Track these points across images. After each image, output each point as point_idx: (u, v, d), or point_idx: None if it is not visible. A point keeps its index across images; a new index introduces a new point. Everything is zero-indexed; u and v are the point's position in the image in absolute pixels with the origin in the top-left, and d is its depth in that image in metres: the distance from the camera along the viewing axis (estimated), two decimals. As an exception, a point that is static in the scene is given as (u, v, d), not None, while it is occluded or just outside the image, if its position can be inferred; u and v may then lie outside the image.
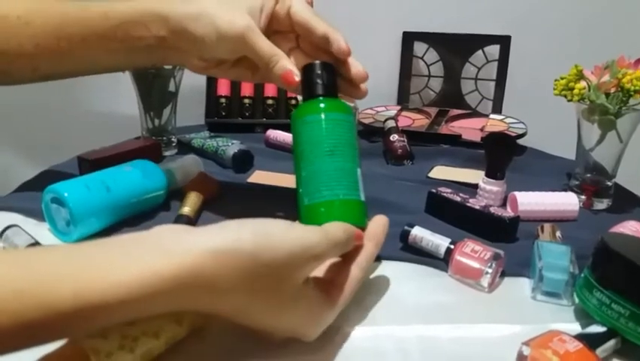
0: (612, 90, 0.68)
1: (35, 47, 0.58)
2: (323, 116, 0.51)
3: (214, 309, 0.38)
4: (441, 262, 0.57)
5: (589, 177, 0.74)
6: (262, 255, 0.37)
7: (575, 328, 0.47)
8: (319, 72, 0.53)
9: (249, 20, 0.53)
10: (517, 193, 0.69)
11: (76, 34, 0.58)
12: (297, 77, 0.53)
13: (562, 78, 0.71)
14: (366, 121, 1.02)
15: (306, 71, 0.54)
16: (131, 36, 0.57)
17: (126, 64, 0.66)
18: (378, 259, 0.58)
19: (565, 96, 0.71)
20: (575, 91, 0.69)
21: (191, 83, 0.90)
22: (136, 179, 0.64)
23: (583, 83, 0.70)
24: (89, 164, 0.71)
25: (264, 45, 0.53)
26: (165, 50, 0.58)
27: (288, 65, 0.53)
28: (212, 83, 1.03)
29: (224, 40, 0.54)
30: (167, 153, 0.87)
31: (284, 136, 0.91)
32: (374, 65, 1.22)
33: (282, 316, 0.40)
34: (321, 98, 0.52)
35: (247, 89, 1.02)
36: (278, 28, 0.58)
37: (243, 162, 0.82)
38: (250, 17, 0.54)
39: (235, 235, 0.37)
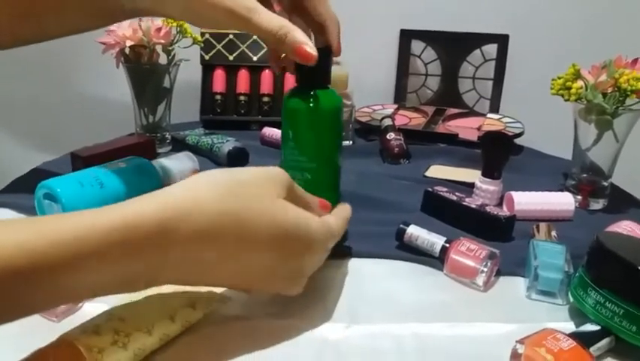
0: (609, 90, 0.68)
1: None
2: (312, 106, 0.53)
3: (201, 257, 0.38)
4: (436, 260, 0.56)
5: (585, 177, 0.74)
6: (234, 172, 0.41)
7: (570, 327, 0.47)
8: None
9: (245, 2, 0.49)
10: (513, 193, 0.69)
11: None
12: (313, 51, 0.48)
13: (559, 77, 0.71)
14: (362, 119, 1.01)
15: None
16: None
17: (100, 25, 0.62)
18: (374, 256, 0.57)
19: (562, 96, 0.70)
20: (572, 90, 0.69)
21: (186, 79, 0.89)
22: (129, 175, 0.64)
23: (580, 83, 0.69)
24: (81, 160, 0.71)
25: (269, 23, 0.48)
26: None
27: (300, 37, 0.48)
28: (207, 79, 1.03)
29: (225, 24, 0.50)
30: (161, 150, 0.86)
31: (279, 134, 0.90)
32: (371, 63, 1.23)
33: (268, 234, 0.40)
34: (309, 97, 0.53)
35: (243, 86, 1.02)
36: None
37: (238, 159, 0.81)
38: None
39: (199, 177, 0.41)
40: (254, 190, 0.41)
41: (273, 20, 0.48)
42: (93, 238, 0.33)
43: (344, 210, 0.51)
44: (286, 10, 0.56)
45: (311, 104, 0.53)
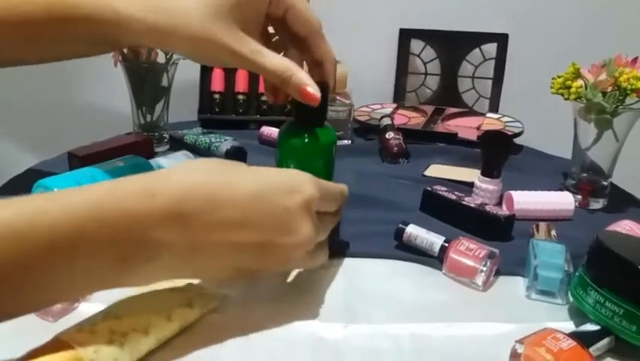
0: (609, 89, 0.68)
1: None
2: (306, 141, 0.55)
3: (186, 209, 0.40)
4: (435, 260, 0.56)
5: (585, 177, 0.73)
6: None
7: (569, 326, 0.46)
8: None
9: (249, 44, 0.50)
10: (512, 192, 0.69)
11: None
12: (317, 93, 0.50)
13: (559, 76, 0.71)
14: (361, 119, 1.01)
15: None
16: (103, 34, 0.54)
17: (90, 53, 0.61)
18: (373, 256, 0.57)
19: (562, 95, 0.70)
20: (572, 89, 0.69)
21: (184, 79, 0.89)
22: (127, 174, 0.63)
23: (580, 82, 0.69)
24: (79, 160, 0.70)
25: (272, 64, 0.50)
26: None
27: (304, 79, 0.50)
28: (205, 78, 1.02)
29: (230, 64, 0.52)
30: (159, 150, 0.86)
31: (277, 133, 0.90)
32: (370, 62, 1.23)
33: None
34: (306, 133, 0.54)
35: (241, 85, 1.01)
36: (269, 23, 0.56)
37: (236, 158, 0.79)
38: (246, 34, 0.50)
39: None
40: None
41: (277, 62, 0.50)
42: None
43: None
44: (285, 42, 0.56)
45: (306, 141, 0.54)
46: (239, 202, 0.42)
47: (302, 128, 0.55)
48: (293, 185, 0.44)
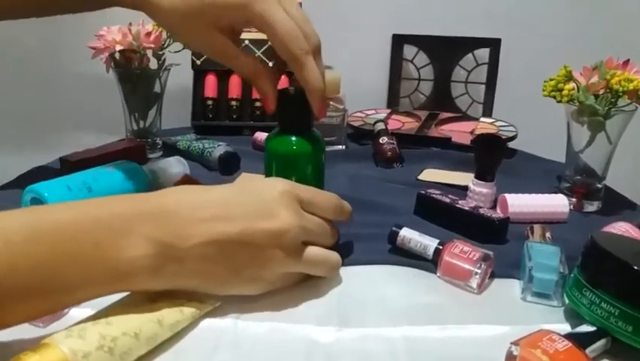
0: (601, 91, 0.68)
1: None
2: (295, 148, 0.55)
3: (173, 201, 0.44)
4: (429, 263, 0.56)
5: (579, 180, 0.73)
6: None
7: (565, 328, 0.46)
8: (294, 106, 0.55)
9: (223, 43, 0.54)
10: (507, 195, 0.69)
11: None
12: (273, 106, 0.54)
13: (551, 79, 0.71)
14: (355, 124, 1.01)
15: (282, 100, 0.55)
16: None
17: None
18: (366, 259, 0.57)
19: (554, 97, 0.70)
20: (564, 92, 0.69)
21: (177, 85, 0.89)
22: (118, 180, 0.63)
23: (572, 85, 0.69)
24: (70, 165, 0.70)
25: (242, 66, 0.55)
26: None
27: (265, 88, 0.54)
28: (198, 84, 1.02)
29: (212, 57, 0.56)
30: (152, 156, 0.85)
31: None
32: (364, 67, 1.23)
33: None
34: (291, 140, 0.55)
35: (235, 91, 1.01)
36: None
37: (230, 163, 0.80)
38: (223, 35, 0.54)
39: None
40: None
41: (248, 67, 0.55)
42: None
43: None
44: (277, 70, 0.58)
45: (294, 147, 0.55)
46: (215, 200, 0.45)
47: (287, 135, 0.55)
48: (270, 183, 0.49)
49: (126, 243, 0.40)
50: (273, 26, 0.51)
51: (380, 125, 0.93)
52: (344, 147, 0.94)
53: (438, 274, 0.54)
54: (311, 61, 0.52)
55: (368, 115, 1.08)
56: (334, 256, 0.51)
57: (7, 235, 0.37)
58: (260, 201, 0.46)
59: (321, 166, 0.57)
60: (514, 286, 0.53)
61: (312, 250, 0.48)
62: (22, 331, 0.41)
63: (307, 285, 0.51)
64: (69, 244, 0.39)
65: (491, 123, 1.05)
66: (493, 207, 0.70)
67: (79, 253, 0.39)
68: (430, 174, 0.83)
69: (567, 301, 0.48)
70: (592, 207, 0.73)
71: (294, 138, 0.56)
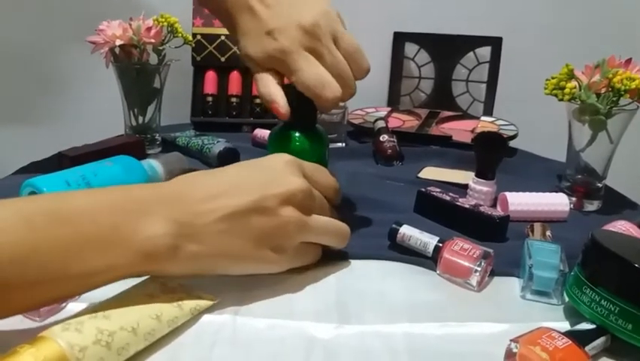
0: (603, 90, 0.68)
1: None
2: (298, 145, 0.57)
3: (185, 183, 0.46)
4: (429, 260, 0.55)
5: (579, 179, 0.73)
6: None
7: (565, 326, 0.46)
8: (298, 102, 0.55)
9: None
10: (507, 193, 0.68)
11: None
12: (282, 109, 0.54)
13: (553, 77, 0.70)
14: (355, 122, 1.01)
15: (286, 96, 0.55)
16: None
17: None
18: (366, 256, 0.56)
19: (556, 95, 0.70)
20: (566, 90, 0.68)
21: (176, 81, 0.88)
22: (117, 174, 0.63)
23: (574, 83, 0.69)
24: (69, 160, 0.69)
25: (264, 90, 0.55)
26: None
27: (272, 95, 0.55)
28: (198, 81, 1.02)
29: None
30: (150, 151, 0.85)
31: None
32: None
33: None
34: (295, 136, 0.56)
35: (234, 88, 1.01)
36: None
37: (229, 160, 0.80)
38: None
39: None
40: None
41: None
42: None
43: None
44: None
45: (297, 143, 0.56)
46: (226, 177, 0.47)
47: (291, 130, 0.56)
48: (275, 156, 0.50)
49: (144, 224, 0.41)
50: (298, 72, 0.53)
51: (380, 123, 0.93)
52: (344, 144, 0.94)
53: (438, 272, 0.54)
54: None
55: (368, 113, 1.07)
56: (344, 224, 0.53)
57: (29, 216, 0.38)
58: (268, 172, 0.48)
59: (324, 163, 0.57)
60: (513, 284, 0.53)
61: (322, 218, 0.50)
62: (19, 324, 0.41)
63: (306, 281, 0.51)
64: (88, 226, 0.40)
65: (492, 122, 1.04)
66: (494, 205, 0.70)
67: (98, 235, 0.40)
68: (430, 172, 0.83)
69: (567, 299, 0.48)
70: (592, 206, 0.72)
71: (297, 134, 0.56)
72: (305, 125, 0.57)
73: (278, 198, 0.46)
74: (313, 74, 0.53)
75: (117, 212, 0.41)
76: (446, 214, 0.65)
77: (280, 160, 0.49)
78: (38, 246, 0.37)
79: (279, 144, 0.57)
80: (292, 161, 0.50)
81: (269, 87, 0.54)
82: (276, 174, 0.48)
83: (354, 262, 0.56)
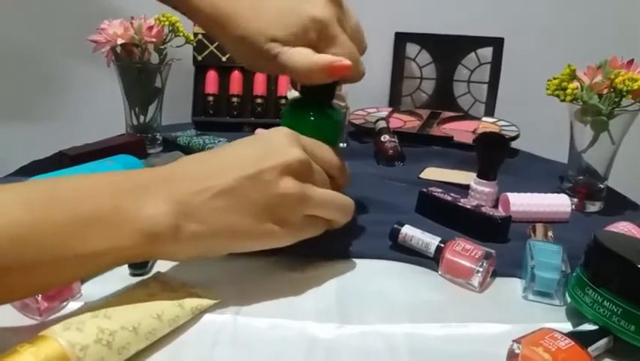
0: (605, 91, 0.68)
1: None
2: (311, 118, 0.55)
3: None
4: (431, 261, 0.55)
5: (581, 180, 0.73)
6: None
7: (567, 327, 0.46)
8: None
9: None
10: (509, 194, 0.68)
11: None
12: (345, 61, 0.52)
13: (555, 78, 0.70)
14: (357, 122, 1.01)
15: None
16: None
17: None
18: (368, 256, 0.56)
19: (557, 96, 0.70)
20: (568, 91, 0.68)
21: (178, 80, 0.88)
22: (118, 173, 0.62)
23: (575, 84, 0.69)
24: (69, 159, 0.69)
25: (298, 62, 0.51)
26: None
27: (328, 57, 0.52)
28: (199, 80, 1.02)
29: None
30: (151, 151, 0.85)
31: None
32: (366, 65, 1.22)
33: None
34: (312, 110, 0.55)
35: (235, 88, 1.01)
36: None
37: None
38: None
39: None
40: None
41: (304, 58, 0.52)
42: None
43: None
44: None
45: (311, 117, 0.54)
46: (223, 154, 0.47)
47: (308, 104, 0.55)
48: (273, 130, 0.49)
49: (144, 204, 0.41)
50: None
51: (382, 124, 0.93)
52: (345, 144, 0.94)
53: (439, 272, 0.54)
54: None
55: (370, 113, 1.07)
56: (348, 198, 0.51)
57: (28, 197, 0.38)
58: (266, 145, 0.47)
59: (335, 142, 0.56)
60: (515, 284, 0.53)
61: (324, 190, 0.49)
62: (20, 322, 0.41)
63: (308, 281, 0.51)
64: (88, 207, 0.39)
65: (493, 123, 1.04)
66: (495, 206, 0.70)
67: (98, 216, 0.39)
68: (431, 173, 0.83)
69: (569, 300, 0.48)
70: (594, 207, 0.72)
71: (317, 108, 0.55)
72: (322, 98, 0.56)
73: (276, 169, 0.45)
74: (350, 45, 0.53)
75: (118, 193, 0.41)
76: (448, 215, 0.64)
77: (278, 133, 0.48)
78: (37, 225, 0.37)
79: (294, 117, 0.55)
80: (290, 134, 0.48)
81: (311, 55, 0.51)
82: (273, 147, 0.46)
83: (355, 262, 0.55)
